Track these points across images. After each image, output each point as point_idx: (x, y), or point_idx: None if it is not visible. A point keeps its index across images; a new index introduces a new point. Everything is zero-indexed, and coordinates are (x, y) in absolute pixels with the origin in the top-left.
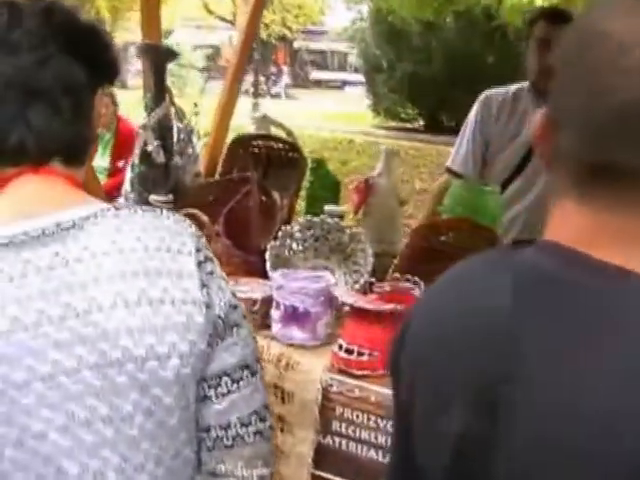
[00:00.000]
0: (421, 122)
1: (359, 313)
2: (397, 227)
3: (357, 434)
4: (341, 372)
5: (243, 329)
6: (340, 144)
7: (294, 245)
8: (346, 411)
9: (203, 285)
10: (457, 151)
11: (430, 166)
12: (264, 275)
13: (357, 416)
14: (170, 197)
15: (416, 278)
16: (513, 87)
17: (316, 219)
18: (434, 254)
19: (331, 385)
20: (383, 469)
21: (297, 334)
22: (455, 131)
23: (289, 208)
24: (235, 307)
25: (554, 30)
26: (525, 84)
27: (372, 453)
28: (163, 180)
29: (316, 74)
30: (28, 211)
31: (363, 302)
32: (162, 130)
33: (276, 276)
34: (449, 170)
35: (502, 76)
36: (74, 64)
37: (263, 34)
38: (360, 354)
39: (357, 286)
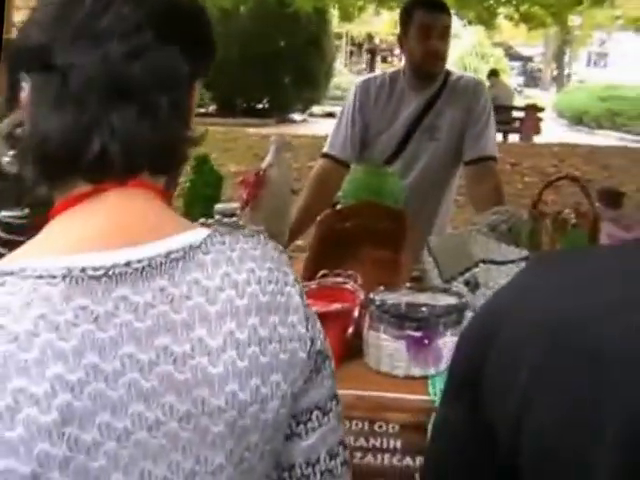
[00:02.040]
0: (213, 106)
1: None
2: (287, 218)
3: None
4: None
5: (331, 359)
6: None
7: None
8: None
9: (306, 318)
10: (335, 136)
11: (240, 149)
12: None
13: None
14: (25, 211)
15: (350, 272)
16: (389, 71)
17: (211, 220)
18: (341, 241)
19: None
20: None
21: None
22: (248, 113)
23: None
24: (325, 337)
25: (432, 17)
26: (400, 67)
27: None
28: (14, 193)
29: None
30: (130, 236)
31: None
32: (17, 139)
33: None
34: (326, 155)
35: (293, 58)
36: (175, 55)
37: None
38: None
39: None
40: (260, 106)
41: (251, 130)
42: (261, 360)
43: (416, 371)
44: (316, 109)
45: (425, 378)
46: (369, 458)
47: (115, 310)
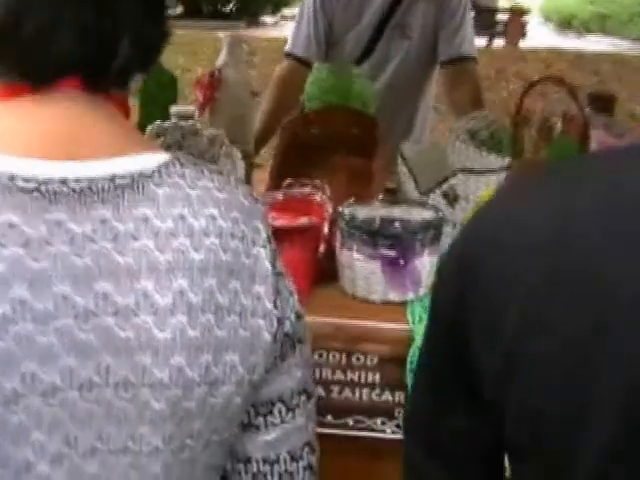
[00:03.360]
0: (179, 9)
1: None
2: (250, 124)
3: None
4: None
5: (305, 345)
6: None
7: None
8: None
9: (276, 292)
10: (297, 35)
11: (207, 52)
12: None
13: None
14: None
15: (317, 181)
16: None
17: (167, 124)
18: (308, 148)
19: None
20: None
21: None
22: (215, 16)
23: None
24: (300, 317)
25: None
26: None
27: None
28: None
29: None
30: (72, 148)
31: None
32: None
33: None
34: (289, 55)
35: None
36: None
37: None
38: None
39: None
40: (227, 9)
41: (220, 34)
42: (216, 333)
43: (394, 296)
44: (287, 11)
45: (404, 304)
46: (347, 392)
47: (49, 237)
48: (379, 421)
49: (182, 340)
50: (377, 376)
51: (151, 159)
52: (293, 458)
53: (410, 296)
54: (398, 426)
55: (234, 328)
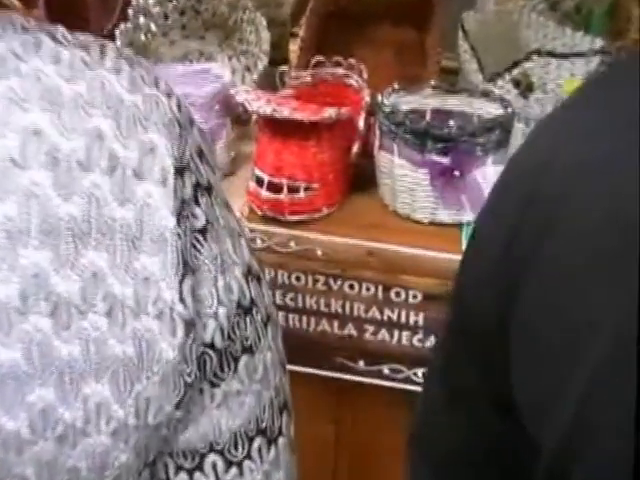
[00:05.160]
0: None
1: (282, 127)
2: None
3: (299, 303)
4: (266, 220)
5: (259, 354)
6: None
7: (152, 25)
8: (279, 275)
9: (185, 268)
10: None
11: None
12: None
13: (297, 279)
14: None
15: (352, 60)
16: None
17: None
18: (348, 17)
19: (252, 240)
20: (338, 343)
21: None
22: None
23: None
24: (246, 309)
25: None
26: None
27: (324, 325)
28: None
29: None
30: None
31: (288, 110)
32: None
33: None
34: None
35: None
36: None
37: None
38: (293, 190)
39: (254, 76)
40: None
41: None
42: (56, 351)
43: (445, 216)
44: None
45: (458, 227)
46: (383, 334)
47: None
48: (420, 372)
49: None
50: (420, 317)
51: None
52: None
53: (467, 217)
54: None
55: (96, 340)
